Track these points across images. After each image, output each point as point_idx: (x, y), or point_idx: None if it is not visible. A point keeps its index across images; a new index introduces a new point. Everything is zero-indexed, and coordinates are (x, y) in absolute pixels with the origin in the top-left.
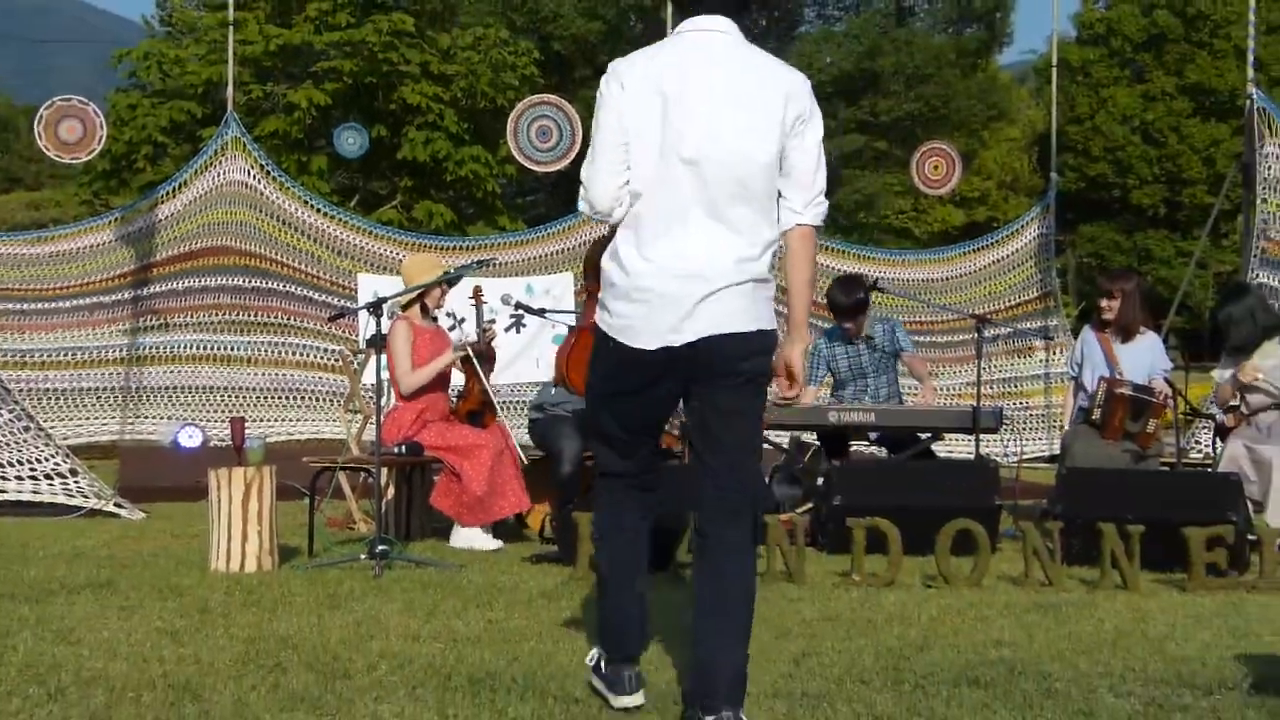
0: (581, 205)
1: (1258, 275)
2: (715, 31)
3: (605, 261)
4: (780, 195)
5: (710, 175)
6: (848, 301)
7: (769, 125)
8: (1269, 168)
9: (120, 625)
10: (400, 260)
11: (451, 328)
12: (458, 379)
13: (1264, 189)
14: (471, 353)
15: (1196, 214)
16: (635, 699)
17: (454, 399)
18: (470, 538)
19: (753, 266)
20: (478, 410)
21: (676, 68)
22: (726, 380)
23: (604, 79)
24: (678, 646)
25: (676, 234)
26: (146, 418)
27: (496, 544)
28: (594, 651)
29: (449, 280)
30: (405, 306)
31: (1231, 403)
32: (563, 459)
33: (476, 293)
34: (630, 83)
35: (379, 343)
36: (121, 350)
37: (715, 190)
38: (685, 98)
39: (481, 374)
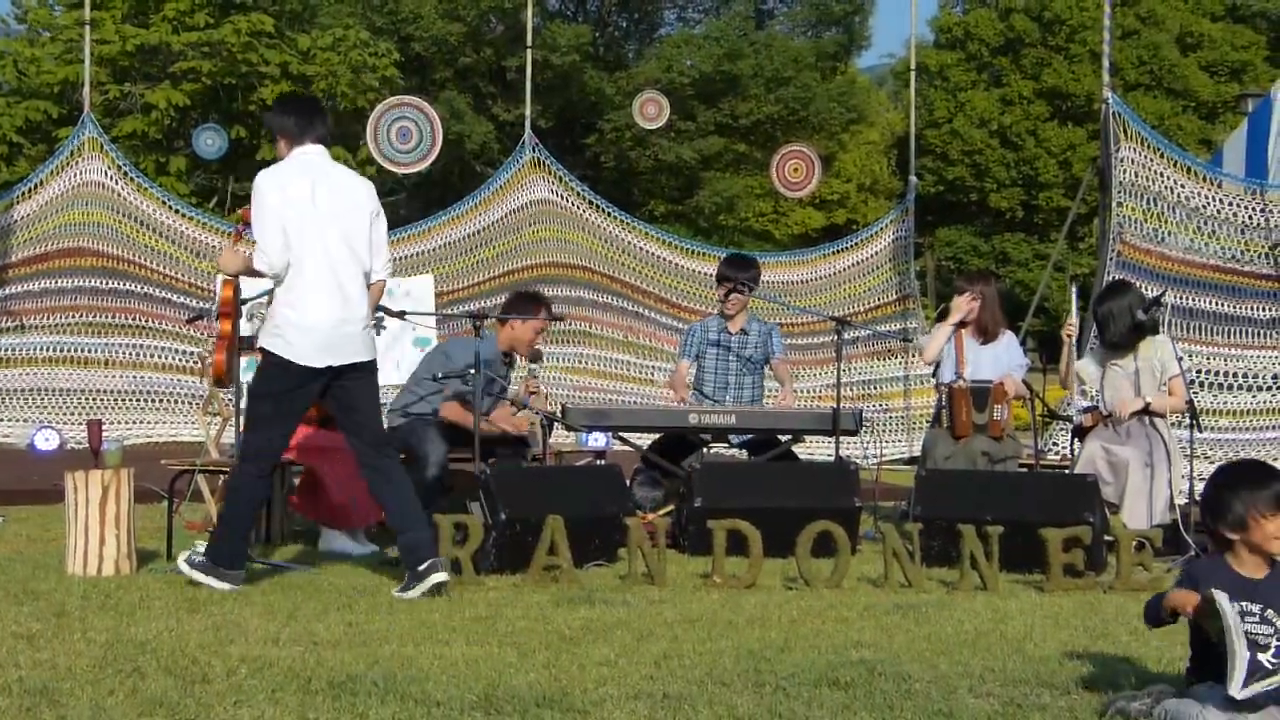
0: (260, 266)
1: (1114, 277)
2: (320, 154)
3: (281, 305)
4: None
5: (342, 248)
6: (736, 274)
7: (367, 215)
8: (1124, 171)
9: None
10: None
11: None
12: None
13: (1119, 192)
14: None
15: (1053, 217)
16: (238, 587)
17: None
18: (339, 543)
19: (368, 312)
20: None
21: (307, 177)
22: (364, 384)
23: (265, 182)
24: (541, 650)
25: (331, 289)
26: (2, 420)
27: (369, 548)
28: (199, 555)
29: None
30: None
31: (1084, 402)
32: (428, 463)
33: None
34: (285, 185)
35: (237, 344)
36: None
37: (346, 257)
38: (317, 198)
39: None
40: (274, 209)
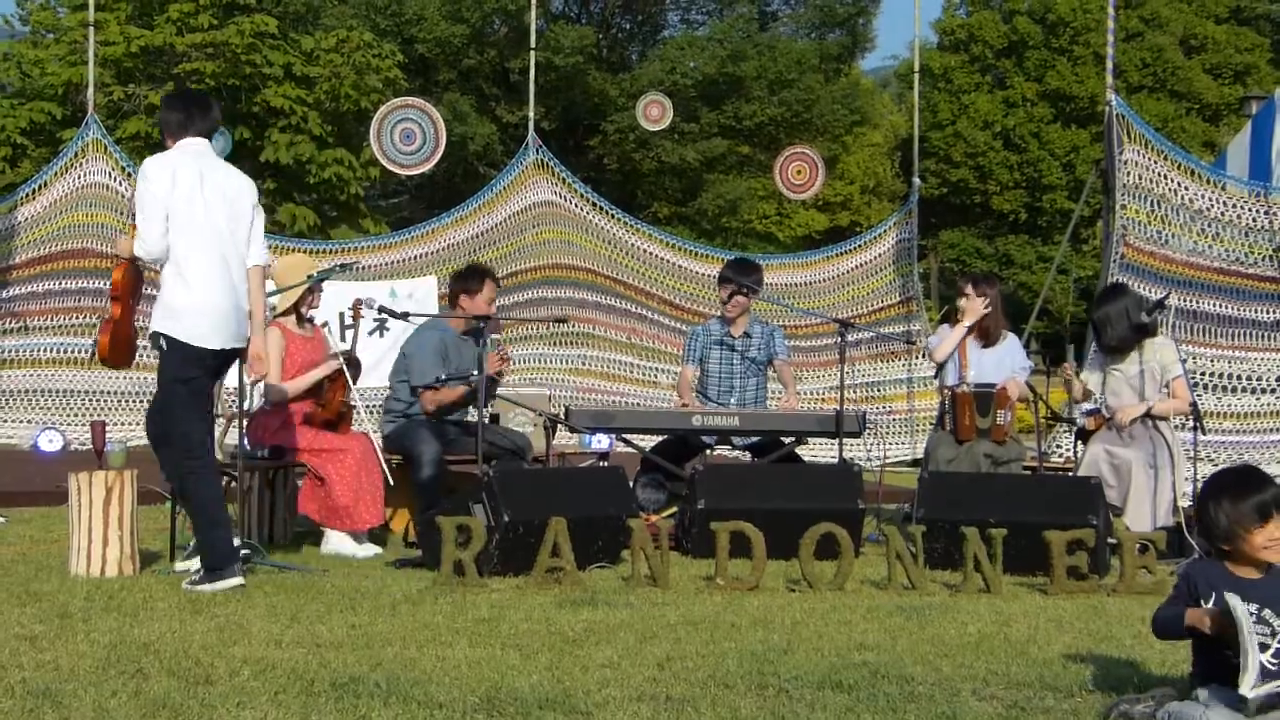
0: (138, 251)
1: (1117, 279)
2: (203, 147)
3: (174, 289)
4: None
5: (228, 235)
6: (738, 277)
7: (250, 207)
8: (1128, 173)
9: None
10: None
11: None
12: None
13: (1123, 194)
14: (344, 364)
15: (1057, 219)
16: (240, 579)
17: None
18: (342, 545)
19: (247, 300)
20: (334, 420)
21: (195, 167)
22: (225, 369)
23: (152, 169)
24: (544, 651)
25: (222, 273)
26: (6, 421)
27: (371, 550)
28: (196, 575)
29: (312, 283)
30: (282, 313)
31: (1088, 405)
32: (422, 462)
33: (356, 306)
34: (174, 173)
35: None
36: None
37: (231, 247)
38: (205, 187)
39: (351, 387)
40: (159, 196)
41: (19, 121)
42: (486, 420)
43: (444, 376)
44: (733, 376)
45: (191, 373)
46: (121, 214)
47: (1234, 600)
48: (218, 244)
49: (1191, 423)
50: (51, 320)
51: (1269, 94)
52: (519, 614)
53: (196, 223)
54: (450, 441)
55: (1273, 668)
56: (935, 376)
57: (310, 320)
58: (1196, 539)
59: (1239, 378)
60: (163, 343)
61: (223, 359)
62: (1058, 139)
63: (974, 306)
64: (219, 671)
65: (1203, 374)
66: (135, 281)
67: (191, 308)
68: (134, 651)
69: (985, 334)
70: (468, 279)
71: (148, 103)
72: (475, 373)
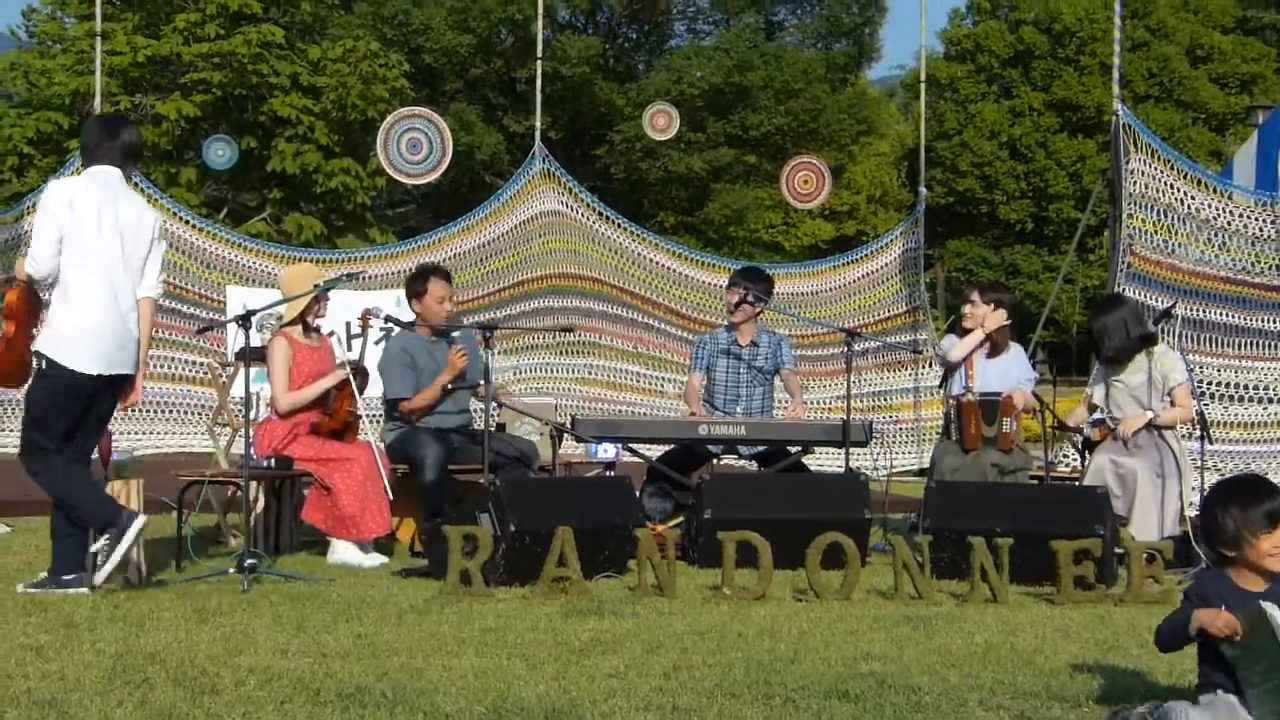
0: (28, 269)
1: (1124, 289)
2: (113, 176)
3: (59, 311)
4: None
5: (120, 264)
6: (746, 282)
7: (149, 239)
8: (1134, 183)
9: None
10: (270, 272)
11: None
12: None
13: (1129, 204)
14: (351, 373)
15: (1063, 229)
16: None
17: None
18: (348, 554)
19: (136, 329)
20: (340, 430)
21: (97, 193)
22: (116, 398)
23: (52, 191)
24: (550, 661)
25: (108, 299)
26: (11, 431)
27: (377, 560)
28: (100, 550)
29: (319, 293)
30: (289, 322)
31: (1095, 415)
32: (425, 466)
33: (365, 316)
34: (74, 197)
35: (248, 355)
36: None
37: (124, 275)
38: (102, 214)
39: (358, 396)
40: (53, 219)
41: (26, 131)
42: (493, 429)
43: (449, 386)
44: (739, 385)
45: (67, 400)
46: None
47: (1272, 610)
48: (108, 270)
49: (1198, 432)
50: None
51: (1275, 103)
52: (525, 624)
53: (89, 248)
54: (456, 450)
55: None
56: (941, 386)
57: (317, 330)
58: (1202, 547)
59: (1245, 387)
60: (42, 363)
61: (103, 385)
62: (1064, 148)
63: (995, 316)
64: (225, 681)
65: (1209, 383)
66: (31, 303)
67: (75, 330)
68: (140, 661)
69: (991, 344)
70: (413, 282)
71: (154, 112)
72: (483, 381)
